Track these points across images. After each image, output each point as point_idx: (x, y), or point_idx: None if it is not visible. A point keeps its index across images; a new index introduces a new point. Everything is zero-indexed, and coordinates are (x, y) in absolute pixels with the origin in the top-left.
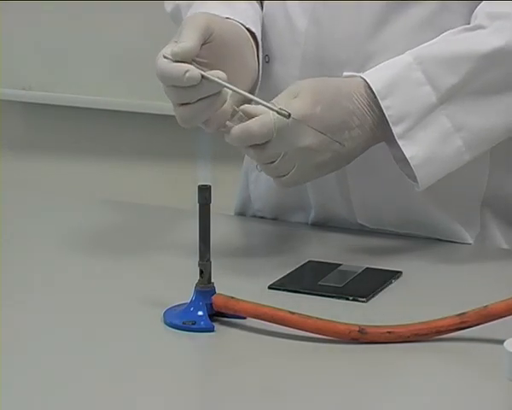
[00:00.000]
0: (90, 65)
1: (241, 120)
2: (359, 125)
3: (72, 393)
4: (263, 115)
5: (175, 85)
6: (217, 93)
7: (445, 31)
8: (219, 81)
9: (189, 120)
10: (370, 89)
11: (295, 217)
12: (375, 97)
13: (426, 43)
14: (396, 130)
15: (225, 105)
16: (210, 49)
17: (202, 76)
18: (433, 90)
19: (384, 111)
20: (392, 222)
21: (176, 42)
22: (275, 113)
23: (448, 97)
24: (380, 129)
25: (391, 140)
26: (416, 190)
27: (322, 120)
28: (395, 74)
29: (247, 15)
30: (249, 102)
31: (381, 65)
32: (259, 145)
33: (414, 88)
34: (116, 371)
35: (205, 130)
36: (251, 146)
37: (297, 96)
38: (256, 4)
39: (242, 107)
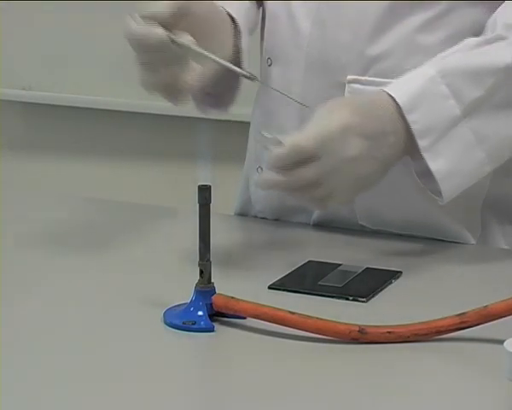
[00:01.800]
0: (90, 65)
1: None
2: (394, 133)
3: (72, 393)
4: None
5: (142, 48)
6: (184, 59)
7: (447, 33)
8: (187, 44)
9: (151, 85)
10: (396, 103)
11: (297, 219)
12: (401, 111)
13: (444, 54)
14: (421, 143)
15: (192, 77)
16: (186, 25)
17: (171, 39)
18: (457, 104)
19: (410, 125)
20: (394, 223)
21: None
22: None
23: (471, 110)
24: (408, 141)
25: (414, 154)
26: (440, 204)
27: (362, 128)
28: (419, 88)
29: (231, 4)
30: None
31: (403, 78)
32: (308, 166)
33: (438, 101)
34: (116, 371)
35: (168, 101)
36: (302, 186)
37: (335, 111)
38: (248, 4)
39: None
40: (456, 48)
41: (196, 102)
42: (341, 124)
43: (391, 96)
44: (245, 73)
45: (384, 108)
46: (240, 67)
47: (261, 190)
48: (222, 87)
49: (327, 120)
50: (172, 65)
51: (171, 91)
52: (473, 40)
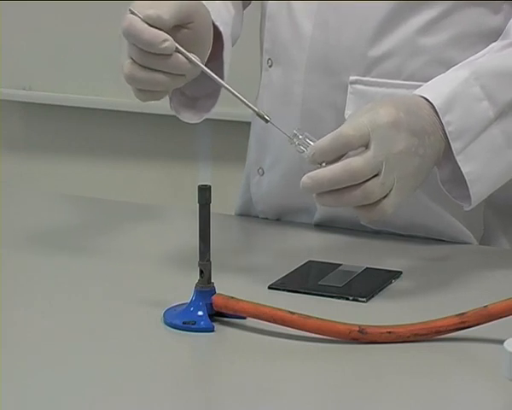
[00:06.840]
0: (90, 65)
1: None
2: (433, 133)
3: (71, 393)
4: (351, 122)
5: (142, 48)
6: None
7: (450, 34)
8: (196, 62)
9: (137, 81)
10: (431, 104)
11: (299, 219)
12: (436, 113)
13: (474, 57)
14: (455, 145)
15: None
16: (180, 36)
17: (182, 54)
18: (490, 105)
19: (445, 127)
20: (396, 224)
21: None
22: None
23: (503, 112)
24: (443, 143)
25: (445, 157)
26: (465, 210)
27: (407, 123)
28: (454, 90)
29: (218, 11)
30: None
31: (436, 80)
32: (356, 156)
33: (472, 103)
34: (116, 371)
35: (137, 96)
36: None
37: (379, 107)
38: (230, 5)
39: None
40: (483, 51)
41: (171, 102)
42: (390, 117)
43: (425, 98)
44: (258, 111)
45: (423, 109)
46: (222, 79)
47: (305, 193)
48: (199, 92)
49: (374, 112)
50: (168, 73)
51: (151, 89)
52: (498, 44)
